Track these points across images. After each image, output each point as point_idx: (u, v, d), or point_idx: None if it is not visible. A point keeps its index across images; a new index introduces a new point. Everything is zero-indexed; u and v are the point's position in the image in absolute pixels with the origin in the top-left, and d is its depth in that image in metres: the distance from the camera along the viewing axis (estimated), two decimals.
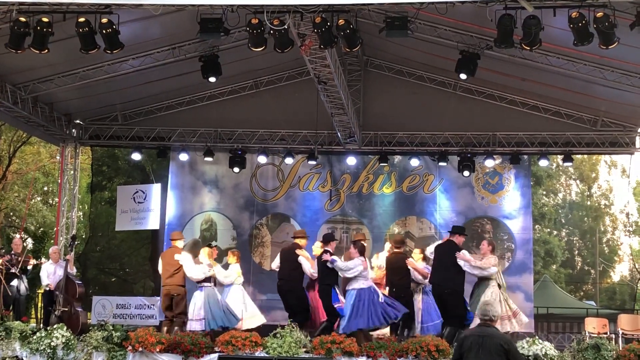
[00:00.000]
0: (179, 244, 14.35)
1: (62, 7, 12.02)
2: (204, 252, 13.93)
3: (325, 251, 13.01)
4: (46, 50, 12.58)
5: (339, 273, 12.88)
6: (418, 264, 13.75)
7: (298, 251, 13.86)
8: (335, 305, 12.83)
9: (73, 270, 14.77)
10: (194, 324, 13.27)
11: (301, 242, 14.13)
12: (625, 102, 16.82)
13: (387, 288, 13.46)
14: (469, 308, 12.89)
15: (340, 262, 12.83)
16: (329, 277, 12.95)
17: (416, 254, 14.13)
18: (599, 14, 11.24)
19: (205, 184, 19.99)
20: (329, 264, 12.76)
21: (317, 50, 13.32)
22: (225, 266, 14.51)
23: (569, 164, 19.98)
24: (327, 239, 13.58)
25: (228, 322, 13.32)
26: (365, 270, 12.74)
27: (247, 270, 15.82)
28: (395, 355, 11.54)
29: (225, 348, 11.67)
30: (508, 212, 19.32)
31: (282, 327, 11.85)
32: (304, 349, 11.61)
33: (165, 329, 13.62)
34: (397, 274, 13.42)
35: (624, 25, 11.41)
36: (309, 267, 13.63)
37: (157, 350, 11.79)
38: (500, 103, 18.53)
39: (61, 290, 14.07)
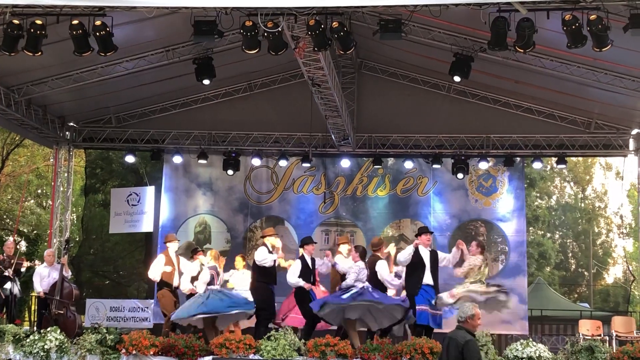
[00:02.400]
0: (171, 245, 14.33)
1: (55, 10, 12.01)
2: (212, 254, 13.91)
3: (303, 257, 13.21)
4: (40, 53, 12.58)
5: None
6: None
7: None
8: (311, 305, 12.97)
9: (68, 273, 14.76)
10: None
11: (266, 240, 13.93)
12: (619, 105, 16.87)
13: None
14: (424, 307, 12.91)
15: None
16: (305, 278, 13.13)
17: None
18: (593, 17, 11.28)
19: (199, 187, 19.97)
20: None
21: (311, 53, 13.32)
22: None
23: (563, 166, 20.03)
24: (304, 242, 13.62)
25: None
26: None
27: None
28: (390, 357, 11.54)
29: (219, 351, 11.66)
30: (502, 214, 19.33)
31: (276, 329, 11.85)
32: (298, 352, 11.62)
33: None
34: (373, 277, 13.38)
35: (618, 28, 11.44)
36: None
37: (151, 353, 11.77)
38: (494, 105, 18.56)
39: (57, 293, 14.04)
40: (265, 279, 13.44)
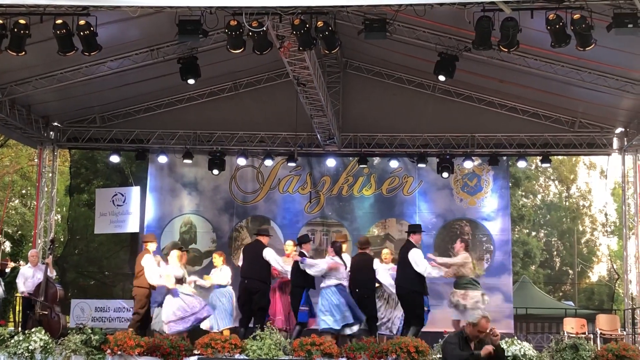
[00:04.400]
0: (150, 246, 14.33)
1: (39, 9, 11.95)
2: (175, 254, 13.87)
3: (301, 253, 13.16)
4: (23, 53, 12.51)
5: (308, 271, 12.97)
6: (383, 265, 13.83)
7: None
8: (301, 308, 12.98)
9: (53, 273, 14.69)
10: (174, 326, 13.20)
11: (264, 239, 14.03)
12: (603, 104, 16.96)
13: (350, 289, 13.45)
14: (426, 308, 12.98)
15: (307, 261, 12.97)
16: (300, 278, 13.06)
17: (386, 254, 14.31)
18: (576, 16, 11.32)
19: (185, 187, 19.94)
20: (301, 265, 12.88)
21: (296, 52, 13.35)
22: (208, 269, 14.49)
23: (547, 165, 20.11)
24: (301, 241, 13.69)
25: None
26: (332, 270, 12.85)
27: None
28: (375, 356, 11.53)
29: (204, 351, 11.63)
30: (487, 213, 19.41)
31: (262, 329, 11.83)
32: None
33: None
34: (362, 275, 13.42)
35: (601, 27, 11.49)
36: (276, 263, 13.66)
37: (136, 353, 11.73)
38: (479, 105, 18.61)
39: (41, 293, 13.99)
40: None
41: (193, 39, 12.90)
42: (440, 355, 7.94)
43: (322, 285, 12.84)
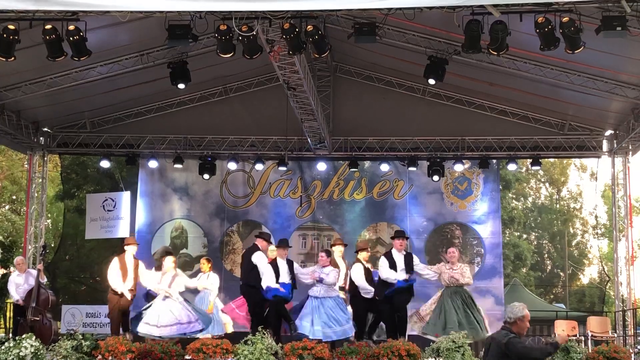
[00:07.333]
0: (128, 249, 14.37)
1: (28, 15, 11.89)
2: (172, 260, 13.93)
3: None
4: (13, 58, 12.45)
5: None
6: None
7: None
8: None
9: (44, 279, 14.65)
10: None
11: (261, 243, 14.01)
12: (592, 106, 17.02)
13: None
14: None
15: (327, 279, 13.09)
16: None
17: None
18: (565, 19, 11.37)
19: (175, 191, 19.89)
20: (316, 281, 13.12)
21: (286, 56, 13.34)
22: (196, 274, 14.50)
23: (537, 167, 20.15)
24: (282, 244, 13.58)
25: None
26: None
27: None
28: None
29: (196, 356, 11.61)
30: (477, 217, 19.41)
31: (253, 333, 11.82)
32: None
33: None
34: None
35: (590, 30, 11.54)
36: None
37: (128, 358, 11.71)
38: (469, 108, 18.64)
39: (33, 300, 13.94)
40: None
41: (183, 43, 12.90)
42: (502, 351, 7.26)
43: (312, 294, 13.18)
